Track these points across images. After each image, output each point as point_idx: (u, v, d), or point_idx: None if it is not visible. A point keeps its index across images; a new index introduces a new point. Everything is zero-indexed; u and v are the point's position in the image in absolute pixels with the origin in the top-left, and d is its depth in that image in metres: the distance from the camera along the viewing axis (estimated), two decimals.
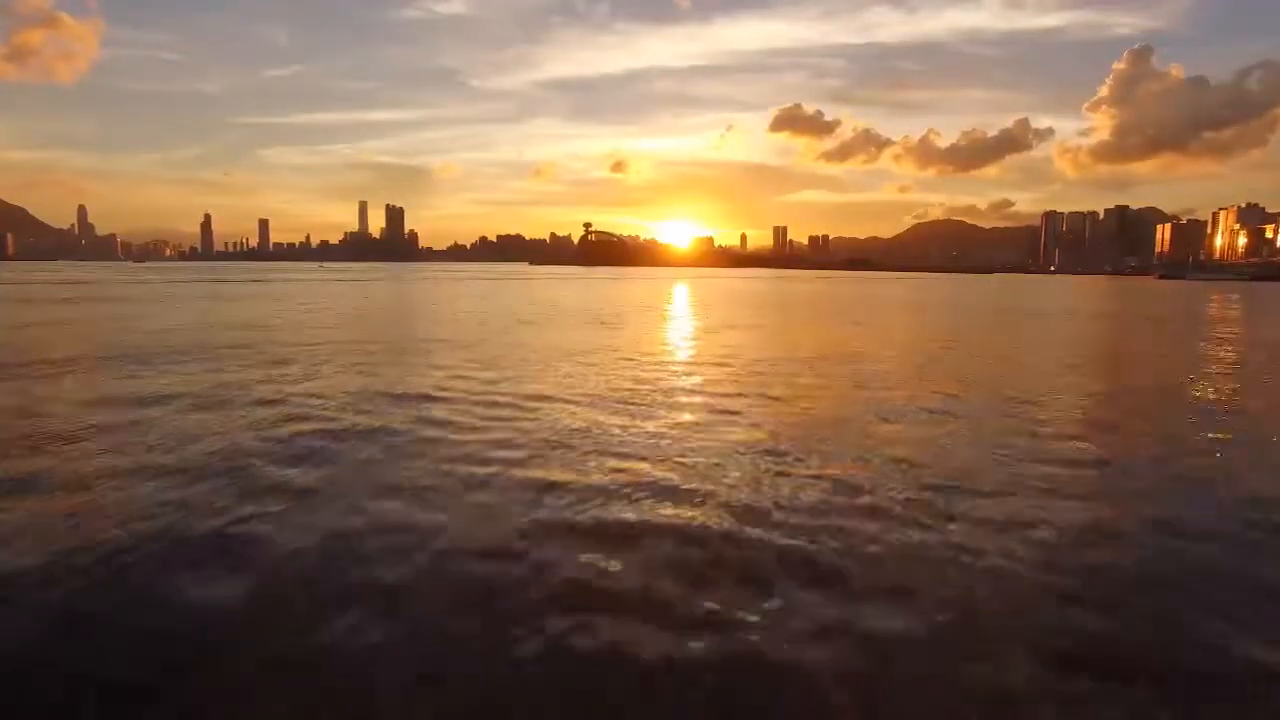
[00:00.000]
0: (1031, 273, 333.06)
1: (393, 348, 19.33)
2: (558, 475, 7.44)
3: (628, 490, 6.97)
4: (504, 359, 16.68)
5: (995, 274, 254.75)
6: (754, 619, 4.48)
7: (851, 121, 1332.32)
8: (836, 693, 3.77)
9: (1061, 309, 47.31)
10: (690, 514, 6.33)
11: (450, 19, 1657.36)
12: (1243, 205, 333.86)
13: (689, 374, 14.90)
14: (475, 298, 49.21)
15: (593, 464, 7.91)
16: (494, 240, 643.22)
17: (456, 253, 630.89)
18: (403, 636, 4.27)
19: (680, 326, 28.86)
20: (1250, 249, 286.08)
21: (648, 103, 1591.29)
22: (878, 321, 33.01)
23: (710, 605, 4.66)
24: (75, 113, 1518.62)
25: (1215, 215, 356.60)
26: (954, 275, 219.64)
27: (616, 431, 9.50)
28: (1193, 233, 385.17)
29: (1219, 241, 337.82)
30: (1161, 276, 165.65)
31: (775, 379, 14.33)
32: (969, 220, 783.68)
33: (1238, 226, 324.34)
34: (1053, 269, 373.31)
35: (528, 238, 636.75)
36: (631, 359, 17.15)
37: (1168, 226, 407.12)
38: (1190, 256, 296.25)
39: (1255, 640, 4.30)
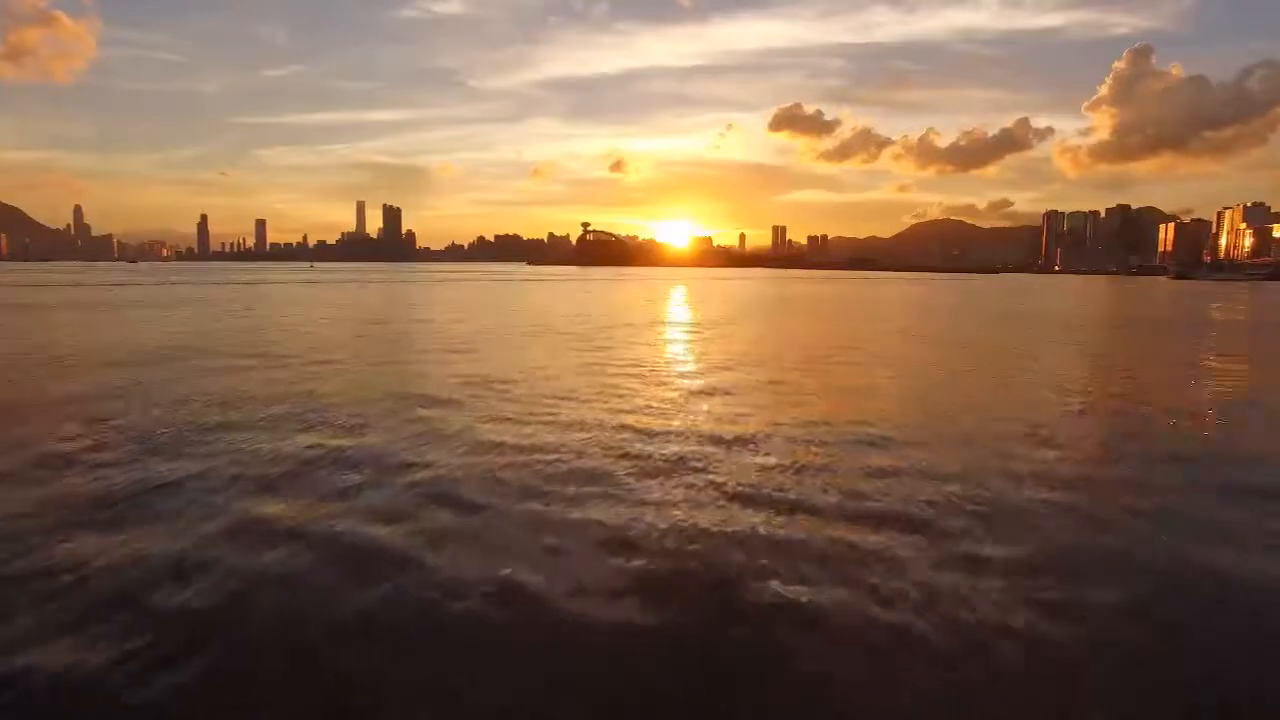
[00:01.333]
0: (1035, 272, 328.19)
1: (284, 422, 14.33)
2: None
3: None
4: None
5: (1001, 274, 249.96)
6: None
7: (851, 121, 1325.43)
8: None
9: (1154, 319, 42.37)
10: None
11: (448, 19, 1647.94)
12: (1249, 204, 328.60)
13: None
14: (453, 306, 44.44)
15: None
16: (491, 240, 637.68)
17: (454, 253, 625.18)
18: None
19: (709, 369, 23.75)
20: (1257, 248, 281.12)
21: (646, 102, 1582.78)
22: (959, 338, 28.06)
23: None
24: (73, 113, 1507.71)
25: (1220, 215, 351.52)
26: (960, 275, 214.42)
27: None
28: (1197, 232, 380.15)
29: (1224, 241, 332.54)
30: (1176, 276, 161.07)
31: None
32: (968, 220, 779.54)
33: (1243, 226, 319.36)
34: (1057, 269, 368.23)
35: (525, 238, 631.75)
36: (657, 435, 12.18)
37: (1171, 226, 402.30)
38: (1201, 256, 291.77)
39: None
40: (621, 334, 25.16)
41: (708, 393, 13.67)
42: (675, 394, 13.60)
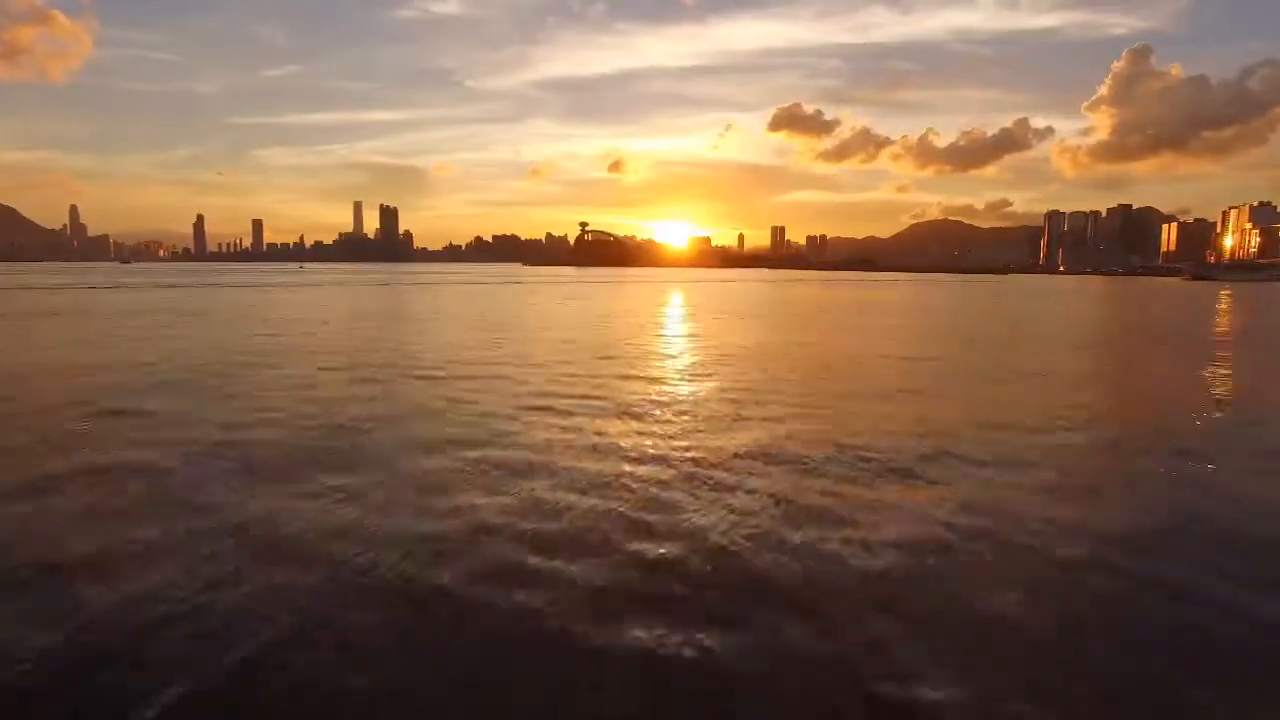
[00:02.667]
0: (1039, 272, 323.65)
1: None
2: None
3: None
4: None
5: (1006, 274, 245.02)
6: None
7: (850, 121, 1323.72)
8: None
9: None
10: None
11: (446, 19, 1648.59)
12: (1255, 204, 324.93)
13: None
14: (429, 322, 40.14)
15: None
16: (489, 240, 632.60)
17: (451, 253, 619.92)
18: None
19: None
20: (1264, 248, 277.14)
21: (645, 103, 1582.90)
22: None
23: None
24: (69, 113, 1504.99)
25: (1225, 214, 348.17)
26: (965, 276, 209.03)
27: None
28: (1199, 232, 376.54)
29: (1230, 241, 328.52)
30: (1194, 277, 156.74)
31: None
32: (966, 220, 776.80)
33: (1250, 225, 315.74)
34: (1060, 269, 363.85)
35: (523, 238, 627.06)
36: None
37: (1174, 226, 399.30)
38: (1204, 256, 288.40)
39: None
40: (614, 376, 20.70)
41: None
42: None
